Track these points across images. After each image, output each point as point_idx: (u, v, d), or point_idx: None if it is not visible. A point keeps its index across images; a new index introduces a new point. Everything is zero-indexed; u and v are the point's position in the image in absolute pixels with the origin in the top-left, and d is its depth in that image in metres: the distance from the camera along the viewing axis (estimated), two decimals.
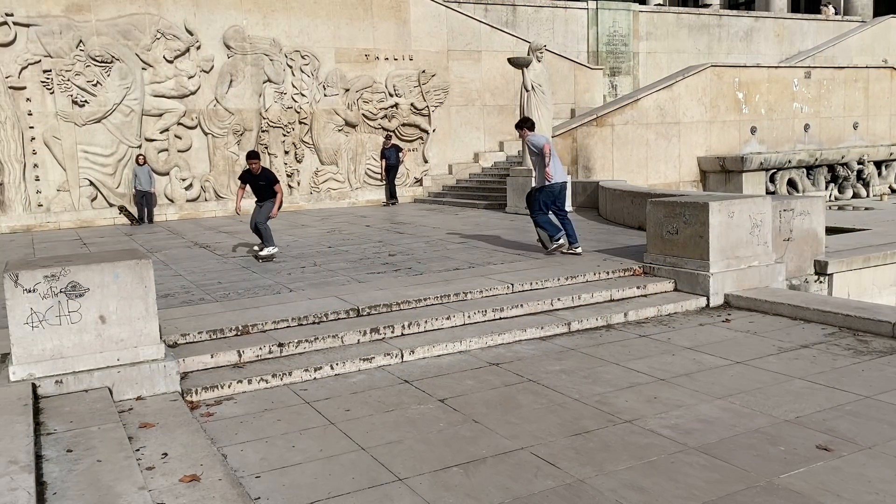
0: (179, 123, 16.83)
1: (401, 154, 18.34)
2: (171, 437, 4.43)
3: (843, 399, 4.93)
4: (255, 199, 10.40)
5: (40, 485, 3.69)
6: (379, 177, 18.67)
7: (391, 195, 18.32)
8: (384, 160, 18.12)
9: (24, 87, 15.45)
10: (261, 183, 10.18)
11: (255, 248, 10.50)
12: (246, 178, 10.30)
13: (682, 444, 4.31)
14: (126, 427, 4.55)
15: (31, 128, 15.60)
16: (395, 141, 18.56)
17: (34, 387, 4.93)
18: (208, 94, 17.06)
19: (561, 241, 9.34)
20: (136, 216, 16.15)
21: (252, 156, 10.13)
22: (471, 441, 4.45)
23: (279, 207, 10.26)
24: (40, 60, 15.52)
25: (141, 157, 16.10)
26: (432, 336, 6.47)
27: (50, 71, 15.62)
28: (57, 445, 4.20)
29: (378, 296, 7.28)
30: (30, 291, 4.91)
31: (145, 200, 16.16)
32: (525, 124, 9.85)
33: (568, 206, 14.67)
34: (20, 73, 15.39)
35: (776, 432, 4.42)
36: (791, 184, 18.22)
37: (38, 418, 4.58)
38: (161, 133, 16.69)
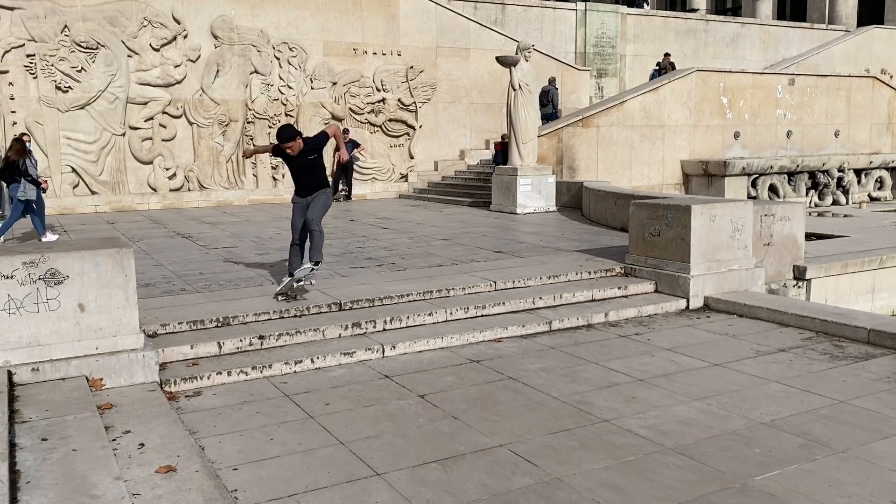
0: (164, 112, 16.69)
1: (357, 150, 18.06)
2: (148, 427, 4.40)
3: (818, 403, 4.99)
4: (295, 190, 7.33)
5: (13, 473, 3.65)
6: (366, 171, 18.58)
7: (341, 189, 17.88)
8: None
9: (6, 72, 15.25)
10: (310, 157, 7.08)
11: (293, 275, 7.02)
12: (283, 157, 7.14)
13: (658, 444, 4.34)
14: (103, 416, 4.51)
15: (14, 112, 15.40)
16: (352, 136, 18.23)
17: (10, 374, 4.87)
18: (194, 84, 16.94)
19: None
20: None
21: (287, 136, 6.85)
22: (450, 437, 4.46)
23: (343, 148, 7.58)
24: (24, 44, 15.33)
25: None
26: (414, 332, 6.47)
27: (34, 55, 15.42)
28: (32, 434, 4.16)
29: (361, 290, 7.27)
30: (7, 278, 4.85)
31: None
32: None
33: (551, 206, 14.79)
34: (3, 57, 15.19)
35: (752, 434, 4.47)
36: (772, 189, 18.39)
37: (13, 406, 4.53)
38: (146, 121, 16.54)
